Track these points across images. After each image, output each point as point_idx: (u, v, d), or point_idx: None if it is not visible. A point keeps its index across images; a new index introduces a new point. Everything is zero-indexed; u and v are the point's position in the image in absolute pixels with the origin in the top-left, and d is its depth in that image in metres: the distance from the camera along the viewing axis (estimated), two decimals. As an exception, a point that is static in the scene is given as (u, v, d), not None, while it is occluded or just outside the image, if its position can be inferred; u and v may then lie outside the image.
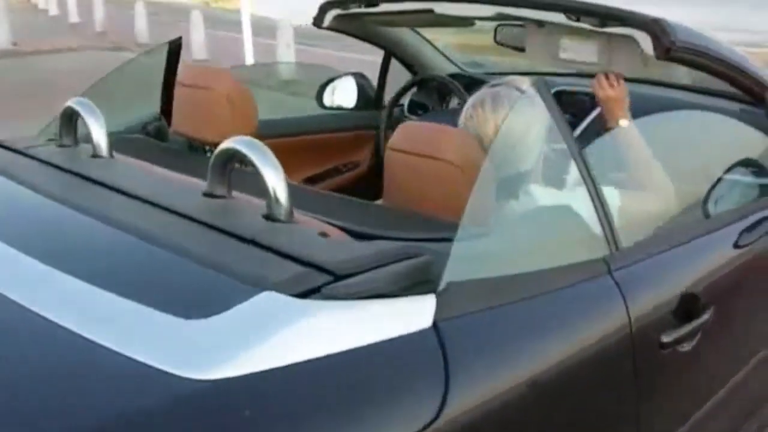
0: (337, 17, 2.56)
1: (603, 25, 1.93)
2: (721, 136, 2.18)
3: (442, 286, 1.17)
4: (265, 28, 9.28)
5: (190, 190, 1.49)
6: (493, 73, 3.12)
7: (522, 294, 1.29)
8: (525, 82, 1.86)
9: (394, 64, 3.10)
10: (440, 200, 1.63)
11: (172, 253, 1.22)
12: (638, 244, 1.57)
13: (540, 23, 2.16)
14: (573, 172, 1.52)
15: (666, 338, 1.51)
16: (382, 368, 1.08)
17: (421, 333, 1.12)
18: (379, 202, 1.84)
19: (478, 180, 1.29)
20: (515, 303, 1.27)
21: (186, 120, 2.05)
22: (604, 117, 2.01)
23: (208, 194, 1.42)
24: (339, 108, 3.13)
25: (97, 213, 1.38)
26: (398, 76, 3.23)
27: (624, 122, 1.95)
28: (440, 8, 2.28)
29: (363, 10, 2.44)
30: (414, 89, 3.05)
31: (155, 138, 2.26)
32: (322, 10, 2.56)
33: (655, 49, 1.87)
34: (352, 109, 3.10)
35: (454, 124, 2.69)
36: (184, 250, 1.22)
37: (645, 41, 1.89)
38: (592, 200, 1.48)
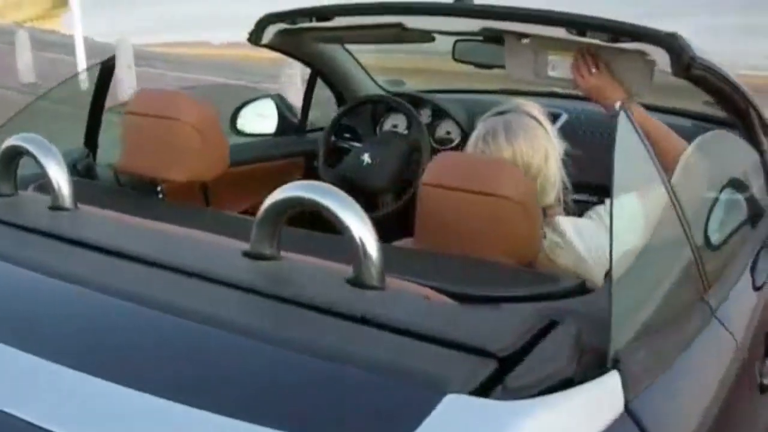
0: (280, 33, 2.26)
1: (615, 41, 1.77)
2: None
3: (611, 354, 0.94)
4: (92, 49, 8.58)
5: (222, 251, 1.16)
6: (428, 92, 2.93)
7: (673, 352, 1.09)
8: (534, 107, 1.68)
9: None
10: (495, 241, 1.40)
11: (263, 342, 0.90)
12: (720, 279, 1.41)
13: (522, 36, 1.98)
14: (658, 204, 1.34)
15: (766, 380, 1.39)
16: None
17: (618, 421, 0.89)
18: (401, 243, 1.58)
19: (620, 220, 1.07)
20: (674, 363, 1.07)
21: (141, 156, 1.68)
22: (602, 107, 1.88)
23: (253, 255, 1.10)
24: (257, 135, 2.82)
25: (116, 290, 1.02)
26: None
27: (619, 103, 1.80)
28: (412, 23, 2.05)
29: (315, 24, 2.16)
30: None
31: (86, 177, 1.86)
32: (262, 25, 2.25)
33: (673, 66, 1.74)
34: (272, 135, 2.80)
35: (401, 148, 2.48)
36: (276, 338, 0.91)
37: (662, 58, 1.75)
38: (686, 234, 1.31)
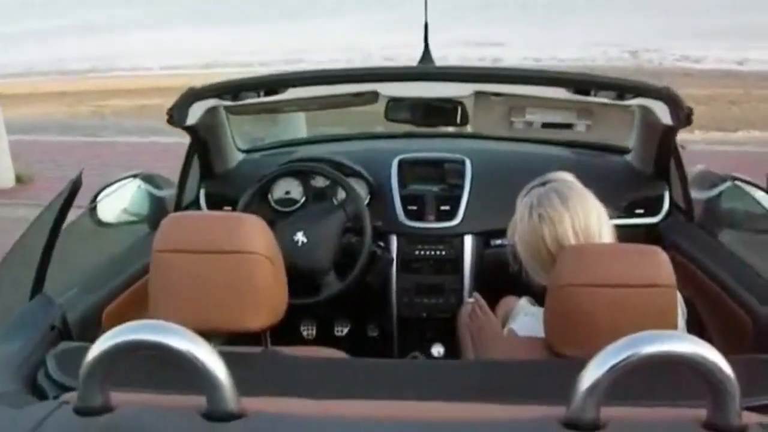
0: (210, 111, 1.91)
1: (621, 98, 1.79)
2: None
3: None
4: None
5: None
6: (288, 145, 2.72)
7: None
8: (570, 176, 1.65)
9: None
10: None
11: None
12: None
13: (497, 94, 1.93)
14: None
15: None
16: None
17: None
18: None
19: None
20: None
21: (196, 306, 1.28)
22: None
23: (573, 425, 0.93)
24: (127, 223, 2.38)
25: None
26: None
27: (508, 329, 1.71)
28: (387, 90, 1.86)
29: (265, 99, 1.86)
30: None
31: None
32: (188, 102, 1.87)
33: (673, 116, 1.80)
34: (144, 221, 2.38)
35: (338, 221, 2.23)
36: None
37: (662, 110, 1.81)
38: None
